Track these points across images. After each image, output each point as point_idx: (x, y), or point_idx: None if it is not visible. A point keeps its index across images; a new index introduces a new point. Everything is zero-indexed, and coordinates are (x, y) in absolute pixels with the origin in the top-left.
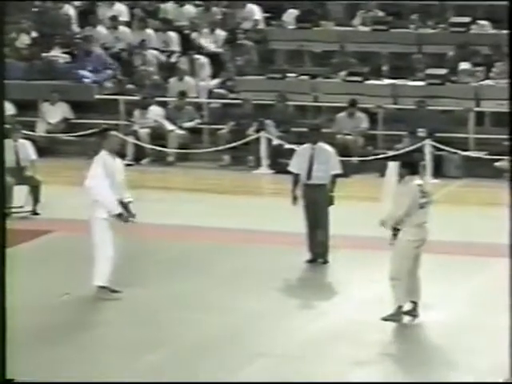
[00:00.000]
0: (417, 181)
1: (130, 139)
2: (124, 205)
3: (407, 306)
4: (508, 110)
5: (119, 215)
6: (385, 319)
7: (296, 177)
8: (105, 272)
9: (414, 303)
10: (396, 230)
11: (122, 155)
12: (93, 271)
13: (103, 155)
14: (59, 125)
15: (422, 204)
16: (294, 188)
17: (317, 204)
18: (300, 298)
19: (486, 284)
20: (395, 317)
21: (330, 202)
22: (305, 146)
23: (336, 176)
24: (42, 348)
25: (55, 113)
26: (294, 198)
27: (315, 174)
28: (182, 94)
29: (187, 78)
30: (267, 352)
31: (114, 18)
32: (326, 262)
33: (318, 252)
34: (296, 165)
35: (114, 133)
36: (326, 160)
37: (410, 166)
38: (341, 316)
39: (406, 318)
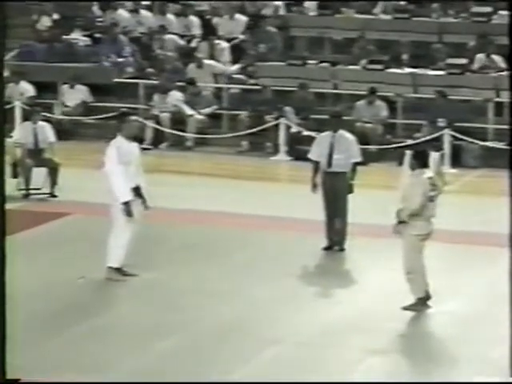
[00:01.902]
0: (427, 173)
1: (150, 123)
2: (138, 192)
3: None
4: None
5: (125, 204)
6: (405, 309)
7: (316, 164)
8: (119, 255)
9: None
10: (401, 222)
11: (140, 139)
12: (106, 253)
13: (119, 140)
14: (77, 108)
15: (432, 197)
16: (314, 175)
17: (336, 192)
18: (316, 286)
19: (502, 275)
20: (415, 307)
21: (350, 190)
22: (325, 133)
23: (356, 164)
24: (55, 332)
25: (75, 95)
26: (314, 186)
27: (336, 162)
28: (190, 83)
29: (206, 63)
30: (282, 339)
31: (136, 2)
32: (342, 249)
33: (335, 239)
34: (316, 152)
35: (133, 118)
36: (346, 148)
37: (422, 158)
38: (356, 304)
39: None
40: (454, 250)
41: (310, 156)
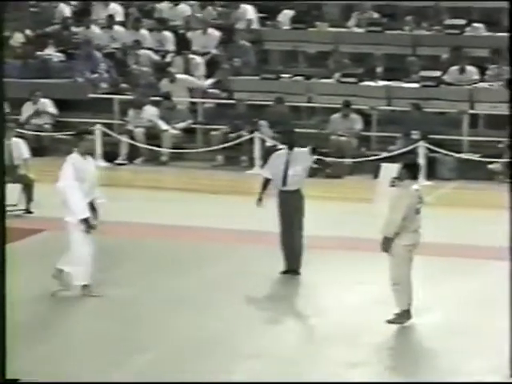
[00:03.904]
0: (415, 186)
1: (124, 138)
2: (92, 207)
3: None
4: (502, 113)
5: (84, 220)
6: (389, 322)
7: (266, 181)
8: (84, 272)
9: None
10: (388, 238)
11: (115, 154)
12: (72, 271)
13: (74, 157)
14: (44, 123)
15: (418, 209)
16: (262, 191)
17: (292, 210)
18: (291, 300)
19: (478, 286)
20: (399, 319)
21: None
22: (281, 151)
23: None
24: (29, 348)
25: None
26: (260, 199)
27: (291, 180)
28: (166, 97)
29: (179, 78)
30: (259, 353)
31: (110, 18)
32: (298, 273)
33: (292, 261)
34: (270, 170)
35: (89, 136)
36: (302, 165)
37: (412, 169)
38: (332, 318)
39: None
40: (431, 262)
41: (262, 172)
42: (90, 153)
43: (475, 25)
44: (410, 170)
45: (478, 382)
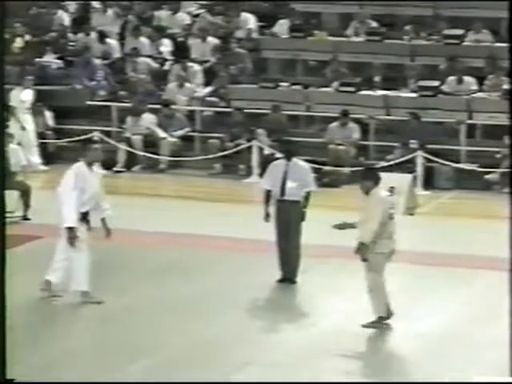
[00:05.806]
0: (384, 192)
1: (122, 146)
2: (85, 217)
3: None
4: (500, 123)
5: (69, 229)
6: (365, 326)
7: (268, 193)
8: (61, 273)
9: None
10: (363, 244)
11: (113, 162)
12: (53, 279)
13: (79, 166)
14: (42, 133)
15: (391, 215)
16: (266, 205)
17: (290, 221)
18: (287, 308)
19: (473, 296)
20: (376, 324)
21: (302, 217)
22: (278, 161)
23: (310, 193)
24: (25, 355)
25: (37, 122)
26: (267, 215)
27: (289, 191)
28: (165, 105)
29: (187, 86)
30: (254, 361)
31: (100, 34)
32: (294, 282)
33: (288, 270)
34: (269, 181)
35: (97, 146)
36: (299, 177)
37: (374, 176)
38: (326, 326)
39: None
40: (426, 271)
41: (262, 185)
42: (96, 162)
43: (484, 31)
44: (373, 180)
45: (478, 382)
